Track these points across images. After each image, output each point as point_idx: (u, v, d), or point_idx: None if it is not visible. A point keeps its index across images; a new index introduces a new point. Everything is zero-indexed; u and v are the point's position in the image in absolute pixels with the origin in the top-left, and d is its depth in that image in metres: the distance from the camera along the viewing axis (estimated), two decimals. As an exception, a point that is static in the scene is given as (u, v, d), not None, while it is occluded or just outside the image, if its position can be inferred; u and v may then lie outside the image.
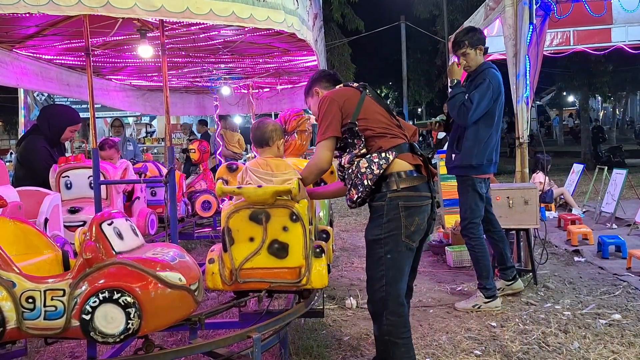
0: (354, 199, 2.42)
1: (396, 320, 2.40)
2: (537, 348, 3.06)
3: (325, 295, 4.11)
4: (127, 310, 2.05)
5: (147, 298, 2.08)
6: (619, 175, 6.92)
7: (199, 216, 5.74)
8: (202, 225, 5.86)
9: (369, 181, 2.35)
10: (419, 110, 27.33)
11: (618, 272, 4.53)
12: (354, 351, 3.13)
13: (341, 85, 2.71)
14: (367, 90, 2.58)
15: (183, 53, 4.55)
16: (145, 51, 3.69)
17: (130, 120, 12.23)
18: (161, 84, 3.71)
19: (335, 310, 3.90)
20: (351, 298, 4.03)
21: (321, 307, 3.23)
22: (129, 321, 2.05)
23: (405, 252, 2.41)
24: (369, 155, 2.40)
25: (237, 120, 13.93)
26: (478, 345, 3.13)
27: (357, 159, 2.41)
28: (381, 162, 2.36)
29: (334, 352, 3.11)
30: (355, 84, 2.66)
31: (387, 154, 2.38)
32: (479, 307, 3.73)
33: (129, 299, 2.06)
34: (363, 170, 2.37)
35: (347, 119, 2.46)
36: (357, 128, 2.43)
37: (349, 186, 2.45)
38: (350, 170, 2.42)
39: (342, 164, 2.46)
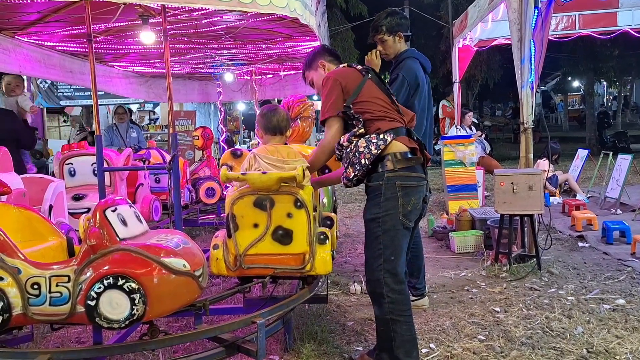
0: (351, 177, 2.46)
1: (397, 297, 2.43)
2: (540, 333, 3.07)
3: (329, 281, 4.12)
4: (131, 296, 2.07)
5: (152, 284, 2.09)
6: (624, 161, 6.87)
7: (203, 203, 5.76)
8: (207, 212, 5.88)
9: (366, 160, 2.40)
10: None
11: (622, 257, 4.51)
12: (357, 336, 3.15)
13: (345, 65, 2.72)
14: (370, 74, 2.61)
15: (185, 39, 4.52)
16: (147, 37, 3.67)
17: (134, 107, 12.21)
18: (164, 71, 3.69)
19: (339, 296, 3.91)
20: (355, 284, 4.04)
21: (325, 293, 3.24)
22: (133, 307, 2.07)
23: (402, 231, 2.46)
24: (367, 136, 2.43)
25: (240, 107, 13.88)
26: (482, 330, 3.14)
27: (356, 139, 2.44)
28: (379, 143, 2.40)
29: (338, 337, 3.12)
30: (360, 67, 2.67)
31: (385, 136, 2.42)
32: None
33: (133, 285, 2.07)
34: (361, 149, 2.41)
35: (345, 102, 2.51)
36: (351, 112, 2.48)
37: (346, 165, 2.48)
38: (348, 149, 2.46)
39: (341, 142, 2.49)
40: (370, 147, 2.40)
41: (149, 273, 2.10)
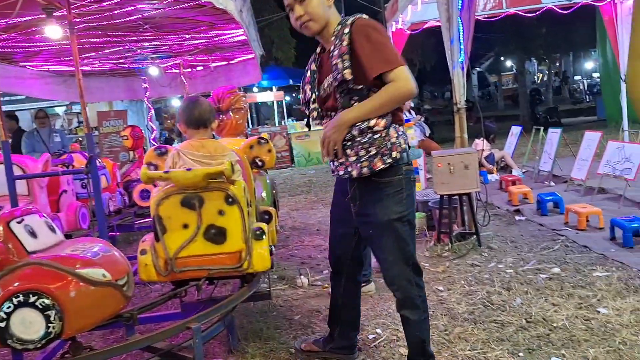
0: (377, 169, 2.08)
1: (424, 293, 2.26)
2: (482, 307, 3.12)
3: (275, 276, 4.03)
4: (46, 313, 1.90)
5: (68, 298, 1.93)
6: (554, 135, 7.16)
7: (138, 206, 5.49)
8: (143, 216, 5.60)
9: (398, 154, 2.10)
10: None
11: (556, 227, 4.68)
12: (304, 329, 3.08)
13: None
14: None
15: (99, 32, 4.22)
16: (53, 32, 3.38)
17: (60, 110, 11.54)
18: (82, 69, 3.43)
19: (285, 290, 3.83)
20: (302, 277, 3.97)
21: (268, 289, 3.15)
22: (49, 324, 1.91)
23: None
24: (395, 125, 2.13)
25: (175, 102, 13.42)
26: (426, 311, 3.15)
27: (390, 126, 2.11)
28: (404, 136, 2.17)
29: (285, 333, 3.04)
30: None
31: (403, 128, 2.19)
32: None
33: (46, 301, 1.90)
34: (393, 140, 2.08)
35: None
36: None
37: (370, 153, 2.07)
38: (377, 136, 2.07)
39: (371, 125, 2.06)
40: (400, 139, 2.11)
41: (63, 287, 1.94)
